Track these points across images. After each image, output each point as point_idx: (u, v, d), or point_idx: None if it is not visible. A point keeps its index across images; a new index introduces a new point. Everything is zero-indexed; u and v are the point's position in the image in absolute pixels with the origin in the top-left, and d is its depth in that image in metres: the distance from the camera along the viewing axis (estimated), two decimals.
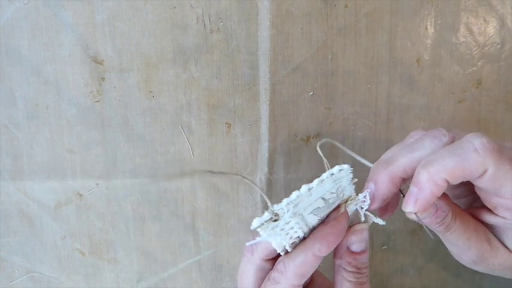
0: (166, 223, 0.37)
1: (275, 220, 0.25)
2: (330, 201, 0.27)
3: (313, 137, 0.36)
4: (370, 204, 0.27)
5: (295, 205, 0.25)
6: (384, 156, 0.28)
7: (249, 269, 0.28)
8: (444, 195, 0.27)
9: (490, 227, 0.28)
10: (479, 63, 0.35)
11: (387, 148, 0.29)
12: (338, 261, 0.28)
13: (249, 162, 0.36)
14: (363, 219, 0.28)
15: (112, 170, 0.36)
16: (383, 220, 0.28)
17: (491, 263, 0.28)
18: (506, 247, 0.27)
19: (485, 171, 0.24)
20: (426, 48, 0.35)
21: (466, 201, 0.31)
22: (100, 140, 0.36)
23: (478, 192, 0.27)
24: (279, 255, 0.27)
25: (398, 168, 0.26)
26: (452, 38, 0.35)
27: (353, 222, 0.29)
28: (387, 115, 0.36)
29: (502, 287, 0.38)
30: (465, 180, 0.25)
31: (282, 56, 0.35)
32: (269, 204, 0.25)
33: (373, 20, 0.35)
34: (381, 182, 0.27)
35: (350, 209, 0.28)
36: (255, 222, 0.25)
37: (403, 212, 0.38)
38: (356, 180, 0.27)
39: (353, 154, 0.30)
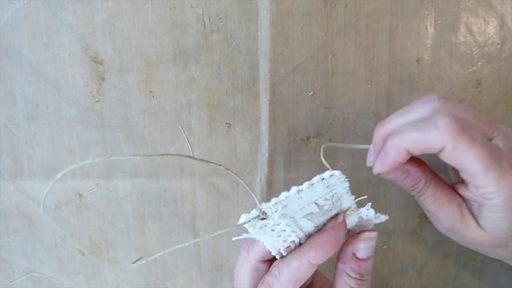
0: (166, 223, 0.37)
1: (263, 219, 0.25)
2: (325, 207, 0.26)
3: (313, 137, 0.36)
4: (375, 166, 0.29)
5: (284, 206, 0.25)
6: (383, 120, 0.30)
7: (244, 269, 0.28)
8: (422, 164, 0.30)
9: (467, 202, 0.29)
10: (479, 63, 0.35)
11: None
12: (341, 266, 0.28)
13: (249, 162, 0.36)
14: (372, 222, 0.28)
15: (112, 170, 0.36)
16: (386, 215, 0.29)
17: (463, 236, 0.29)
18: (478, 223, 0.29)
19: (443, 148, 0.26)
20: (426, 48, 0.35)
21: None
22: (100, 140, 0.36)
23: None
24: (275, 257, 0.27)
25: (388, 128, 0.29)
26: (452, 38, 0.35)
27: (359, 229, 0.29)
28: (387, 115, 0.36)
29: (502, 286, 0.38)
30: (425, 153, 0.27)
31: (282, 56, 0.35)
32: (257, 201, 0.25)
33: (373, 20, 0.35)
34: (377, 140, 0.29)
35: (350, 220, 0.28)
36: (242, 218, 0.25)
37: (403, 212, 0.38)
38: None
39: (354, 146, 0.32)
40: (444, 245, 0.38)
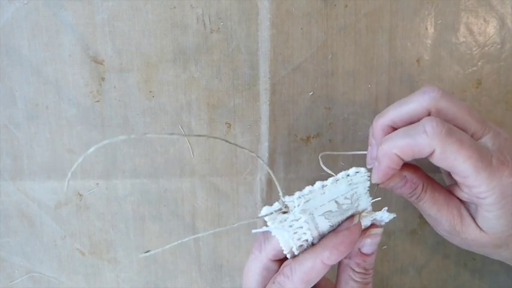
0: (166, 223, 0.37)
1: (284, 212, 0.25)
2: (344, 207, 0.26)
3: (313, 137, 0.36)
4: (372, 177, 0.29)
5: (307, 201, 0.25)
6: (381, 112, 0.30)
7: (255, 267, 0.28)
8: (418, 170, 0.30)
9: (464, 204, 0.30)
10: (479, 63, 0.35)
11: None
12: (346, 261, 0.28)
13: (249, 162, 0.36)
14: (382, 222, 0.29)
15: (112, 170, 0.36)
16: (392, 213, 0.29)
17: (464, 238, 0.30)
18: (477, 224, 0.29)
19: (433, 152, 0.26)
20: (426, 48, 0.35)
21: None
22: (100, 140, 0.36)
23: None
24: (285, 258, 0.27)
25: (386, 119, 0.29)
26: (452, 38, 0.35)
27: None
28: None
29: (502, 286, 0.38)
30: (416, 157, 0.27)
31: (282, 56, 0.35)
32: (280, 194, 0.24)
33: (373, 20, 0.35)
34: (376, 132, 0.30)
35: (364, 222, 0.28)
36: (264, 210, 0.25)
37: (403, 212, 0.38)
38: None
39: (351, 153, 0.32)
40: (444, 245, 0.38)
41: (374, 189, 0.28)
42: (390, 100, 0.36)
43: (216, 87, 0.35)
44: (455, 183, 0.30)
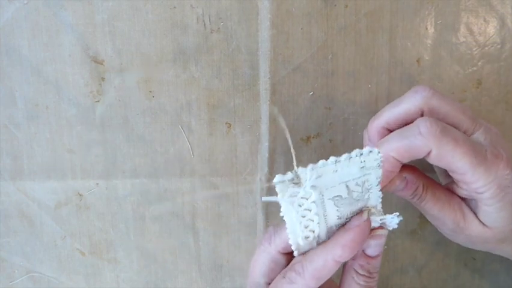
0: (166, 223, 0.37)
1: (296, 183, 0.25)
2: (354, 195, 0.26)
3: (313, 137, 0.36)
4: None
5: (319, 176, 0.25)
6: (376, 114, 0.31)
7: (263, 259, 0.28)
8: (416, 170, 0.30)
9: (465, 201, 0.30)
10: (479, 63, 0.35)
11: None
12: (349, 262, 0.28)
13: (249, 162, 0.36)
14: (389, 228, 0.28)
15: (112, 170, 0.36)
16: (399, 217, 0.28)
17: (468, 235, 0.30)
18: (480, 220, 0.29)
19: (429, 151, 0.27)
20: (427, 48, 0.35)
21: None
22: (100, 140, 0.36)
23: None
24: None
25: (381, 121, 0.30)
26: (452, 38, 0.35)
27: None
28: None
29: (502, 286, 0.38)
30: (414, 158, 0.28)
31: (282, 56, 0.35)
32: (294, 163, 0.24)
33: (373, 20, 0.35)
34: (372, 134, 0.30)
35: (372, 222, 0.27)
36: (277, 178, 0.24)
37: (403, 213, 0.38)
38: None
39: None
40: (445, 245, 0.38)
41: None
42: (390, 100, 0.36)
43: (216, 87, 0.35)
44: (452, 181, 0.30)
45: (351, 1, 0.34)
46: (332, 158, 0.25)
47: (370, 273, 0.28)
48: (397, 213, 0.27)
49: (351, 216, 0.27)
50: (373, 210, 0.27)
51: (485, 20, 0.35)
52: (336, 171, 0.25)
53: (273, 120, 0.36)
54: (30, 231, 0.37)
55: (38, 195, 0.36)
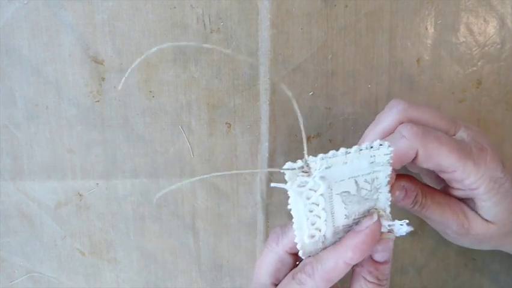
0: (166, 223, 0.37)
1: (305, 172, 0.24)
2: (362, 193, 0.26)
3: (313, 137, 0.36)
4: None
5: (328, 167, 0.24)
6: (362, 136, 0.31)
7: (270, 259, 0.28)
8: (412, 178, 0.30)
9: (463, 201, 0.30)
10: (479, 63, 0.35)
11: None
12: (358, 269, 0.27)
13: (249, 162, 0.36)
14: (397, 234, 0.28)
15: (112, 170, 0.36)
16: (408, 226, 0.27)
17: (475, 234, 0.30)
18: (482, 217, 0.29)
19: (417, 153, 0.27)
20: (427, 48, 0.35)
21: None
22: (100, 140, 0.36)
23: (437, 173, 0.30)
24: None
25: (367, 142, 0.30)
26: (452, 38, 0.35)
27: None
28: None
29: (502, 286, 0.38)
30: (403, 164, 0.28)
31: (282, 56, 0.35)
32: (305, 152, 0.24)
33: (373, 20, 0.35)
34: None
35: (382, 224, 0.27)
36: (287, 165, 0.24)
37: (403, 213, 0.38)
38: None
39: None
40: (445, 245, 0.38)
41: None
42: (390, 100, 0.36)
43: (216, 87, 0.35)
44: (445, 185, 0.30)
45: (351, 1, 0.34)
46: (342, 149, 0.25)
47: (379, 280, 0.27)
48: (406, 221, 0.26)
49: (359, 218, 0.27)
50: (382, 213, 0.27)
51: (485, 20, 0.35)
52: (346, 163, 0.25)
53: (273, 120, 0.36)
54: (30, 231, 0.37)
55: (38, 195, 0.36)
